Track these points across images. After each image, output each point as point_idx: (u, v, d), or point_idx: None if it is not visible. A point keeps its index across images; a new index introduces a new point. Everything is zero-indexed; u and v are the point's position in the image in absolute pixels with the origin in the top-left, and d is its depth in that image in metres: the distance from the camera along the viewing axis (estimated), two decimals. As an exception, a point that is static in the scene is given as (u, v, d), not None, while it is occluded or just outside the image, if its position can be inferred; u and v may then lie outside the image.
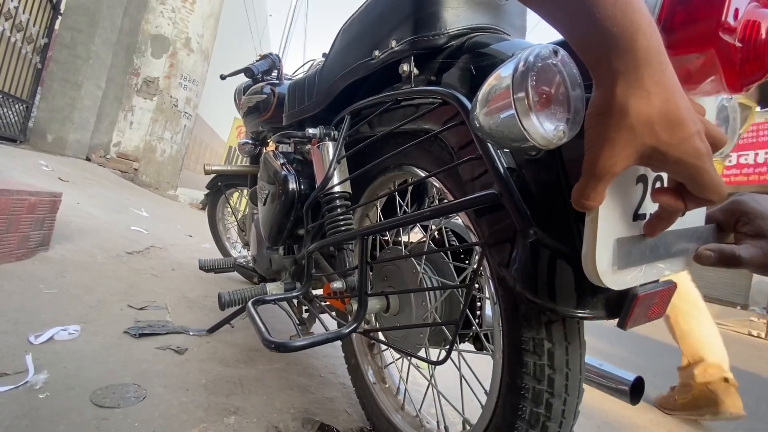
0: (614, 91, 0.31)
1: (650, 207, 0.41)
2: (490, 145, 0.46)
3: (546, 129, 0.33)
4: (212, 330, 1.30)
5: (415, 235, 0.97)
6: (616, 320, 0.45)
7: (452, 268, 0.77)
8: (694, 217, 0.48)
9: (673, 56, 0.37)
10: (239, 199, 2.28)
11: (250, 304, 0.74)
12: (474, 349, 0.80)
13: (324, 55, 1.27)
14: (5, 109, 3.62)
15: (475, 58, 0.58)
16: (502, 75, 0.36)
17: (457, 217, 0.82)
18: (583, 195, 0.35)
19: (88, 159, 4.60)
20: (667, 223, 0.39)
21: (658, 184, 0.42)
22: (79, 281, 1.45)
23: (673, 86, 0.31)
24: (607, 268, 0.38)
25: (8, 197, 1.33)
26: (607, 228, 0.38)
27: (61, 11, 4.17)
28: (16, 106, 3.78)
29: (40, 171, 3.05)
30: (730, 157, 8.39)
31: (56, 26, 4.17)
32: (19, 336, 0.99)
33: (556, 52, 0.33)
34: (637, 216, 0.40)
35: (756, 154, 8.30)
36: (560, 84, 0.33)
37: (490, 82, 0.38)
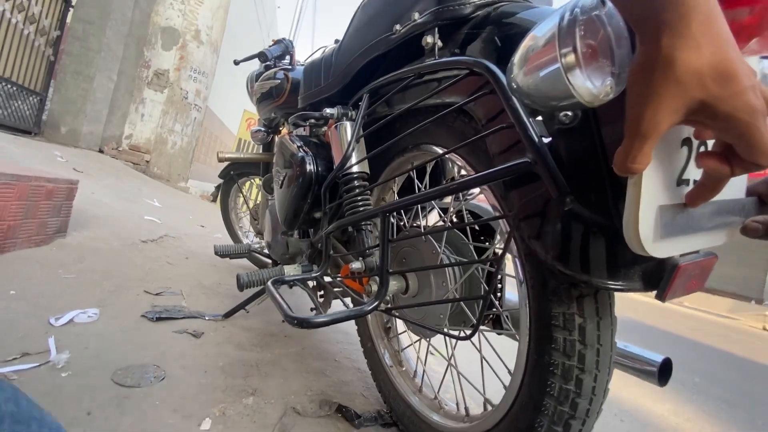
0: (660, 44, 0.29)
1: (694, 173, 0.40)
2: (522, 112, 0.45)
3: (594, 84, 0.31)
4: (228, 315, 1.31)
5: (433, 218, 0.96)
6: (654, 292, 0.43)
7: (472, 249, 0.76)
8: (735, 190, 0.46)
9: (723, 10, 0.35)
10: (251, 188, 2.28)
11: (269, 283, 0.73)
12: (493, 330, 0.78)
13: (336, 41, 1.26)
14: (20, 102, 3.66)
15: (502, 27, 0.56)
16: (542, 32, 0.35)
17: (478, 198, 0.81)
18: (628, 158, 0.33)
19: (101, 151, 4.64)
20: (711, 192, 0.37)
21: (702, 148, 0.40)
22: (97, 267, 1.46)
23: (724, 36, 0.29)
24: (650, 235, 0.36)
25: (26, 183, 1.34)
26: (651, 194, 0.36)
27: (73, 3, 4.18)
28: (30, 99, 3.82)
29: (55, 162, 3.09)
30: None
31: (68, 18, 4.19)
32: (39, 318, 1.01)
33: (603, 3, 0.32)
34: (680, 181, 0.39)
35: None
36: (607, 37, 0.32)
37: (528, 41, 0.36)
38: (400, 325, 0.98)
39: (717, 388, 1.93)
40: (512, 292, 0.69)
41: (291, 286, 0.90)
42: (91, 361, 0.88)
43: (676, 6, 0.29)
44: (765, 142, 0.31)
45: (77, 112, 4.18)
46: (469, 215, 0.83)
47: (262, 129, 1.66)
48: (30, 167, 2.02)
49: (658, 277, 0.41)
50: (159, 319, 1.18)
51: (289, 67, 1.47)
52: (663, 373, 0.63)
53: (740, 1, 0.35)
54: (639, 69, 0.31)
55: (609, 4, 0.32)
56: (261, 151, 1.78)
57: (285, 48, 1.53)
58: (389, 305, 0.80)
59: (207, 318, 1.28)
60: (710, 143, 0.41)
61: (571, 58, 0.31)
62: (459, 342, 0.65)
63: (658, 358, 0.64)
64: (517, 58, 0.37)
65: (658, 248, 0.37)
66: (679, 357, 2.51)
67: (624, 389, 1.54)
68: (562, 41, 0.31)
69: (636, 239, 0.36)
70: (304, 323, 0.58)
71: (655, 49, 0.30)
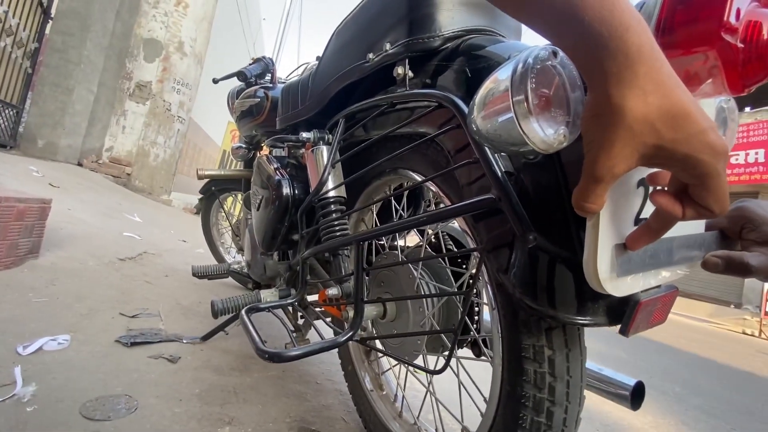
0: (609, 92, 0.30)
1: (651, 211, 0.40)
2: (487, 148, 0.46)
3: (546, 133, 0.32)
4: (206, 337, 1.28)
5: (412, 239, 0.96)
6: (618, 326, 0.44)
7: (450, 273, 0.76)
8: (695, 225, 0.47)
9: (674, 57, 0.36)
10: (233, 204, 2.26)
11: (243, 312, 0.72)
12: (473, 355, 0.78)
13: (318, 58, 1.26)
14: (-5, 115, 3.57)
15: (471, 60, 0.57)
16: (500, 78, 0.35)
17: (455, 222, 0.81)
18: (583, 198, 0.34)
19: (79, 164, 4.55)
20: (655, 235, 0.37)
21: (658, 188, 0.41)
22: (70, 289, 1.42)
23: (671, 82, 0.30)
24: (609, 274, 0.37)
25: (-4, 204, 1.30)
26: (609, 233, 0.37)
27: (52, 15, 4.13)
28: (6, 111, 3.73)
29: (31, 177, 3.01)
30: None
31: (47, 30, 4.13)
32: (6, 347, 0.97)
33: (555, 54, 0.32)
34: (638, 221, 0.39)
35: (747, 154, 8.40)
36: (560, 86, 0.32)
37: (488, 85, 0.37)
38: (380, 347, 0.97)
39: (697, 398, 1.96)
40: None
41: (268, 311, 0.88)
42: (60, 392, 0.85)
43: (620, 55, 0.29)
44: (722, 187, 0.32)
45: (55, 124, 4.10)
46: (448, 238, 0.83)
47: (243, 146, 1.65)
48: (2, 185, 1.96)
49: (622, 312, 0.42)
50: (134, 343, 1.14)
51: (270, 85, 1.47)
52: (636, 396, 0.63)
53: (691, 48, 0.36)
54: (590, 117, 0.32)
55: (561, 54, 0.33)
56: (242, 167, 1.77)
57: (265, 66, 1.53)
58: (366, 332, 0.79)
59: (185, 341, 1.24)
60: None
61: (523, 107, 0.31)
62: (438, 363, 0.65)
63: (631, 381, 0.64)
64: (477, 100, 0.37)
65: (617, 287, 0.38)
66: (660, 364, 2.55)
67: (606, 402, 1.55)
68: (515, 91, 0.32)
69: (595, 278, 0.37)
70: (275, 358, 0.57)
71: (603, 98, 0.30)
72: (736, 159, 8.48)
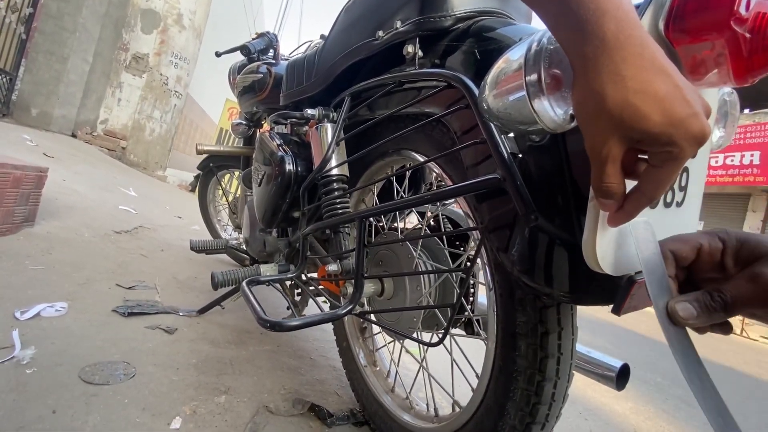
0: (587, 77, 0.30)
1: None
2: (495, 129, 0.46)
3: (556, 112, 0.32)
4: (202, 311, 1.29)
5: (410, 222, 0.97)
6: (610, 307, 0.46)
7: (447, 254, 0.78)
8: (690, 212, 0.49)
9: (683, 45, 0.37)
10: (230, 181, 2.25)
11: (244, 283, 0.73)
12: (465, 334, 0.81)
13: (322, 36, 1.25)
14: (-13, 81, 3.49)
15: (481, 42, 0.58)
16: (512, 57, 0.36)
17: (455, 204, 0.83)
18: (596, 180, 0.33)
19: (73, 135, 4.48)
20: (626, 215, 0.35)
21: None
22: (66, 258, 1.42)
23: (655, 68, 0.30)
24: (606, 254, 0.38)
25: (-8, 170, 1.29)
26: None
27: (47, -20, 4.00)
28: (0, 78, 3.65)
29: (25, 146, 2.96)
30: (717, 157, 8.56)
31: (42, -5, 4.01)
32: (4, 311, 0.98)
33: (569, 35, 0.33)
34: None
35: (742, 156, 8.46)
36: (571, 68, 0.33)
37: (500, 64, 0.37)
38: (375, 325, 0.99)
39: (677, 388, 2.02)
40: (485, 295, 0.71)
41: (268, 285, 0.90)
42: (58, 357, 0.86)
43: (597, 41, 0.29)
44: (673, 176, 0.31)
45: (49, 93, 4.02)
46: (446, 220, 0.85)
47: (244, 122, 1.63)
48: (-3, 152, 1.94)
49: (615, 292, 0.44)
50: (131, 314, 1.15)
51: (273, 61, 1.45)
52: (621, 378, 0.66)
53: (701, 36, 0.37)
54: (576, 102, 0.32)
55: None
56: (242, 145, 1.76)
57: (269, 41, 1.51)
58: (364, 308, 0.81)
59: (181, 314, 1.26)
60: None
61: (535, 86, 0.32)
62: (433, 341, 0.67)
63: (617, 363, 0.67)
64: (488, 79, 0.38)
65: (613, 266, 0.39)
66: (643, 356, 2.62)
67: (589, 387, 1.61)
68: (529, 69, 0.33)
69: (593, 257, 0.38)
70: (276, 326, 0.58)
71: (584, 82, 0.30)
72: (731, 160, 8.54)
